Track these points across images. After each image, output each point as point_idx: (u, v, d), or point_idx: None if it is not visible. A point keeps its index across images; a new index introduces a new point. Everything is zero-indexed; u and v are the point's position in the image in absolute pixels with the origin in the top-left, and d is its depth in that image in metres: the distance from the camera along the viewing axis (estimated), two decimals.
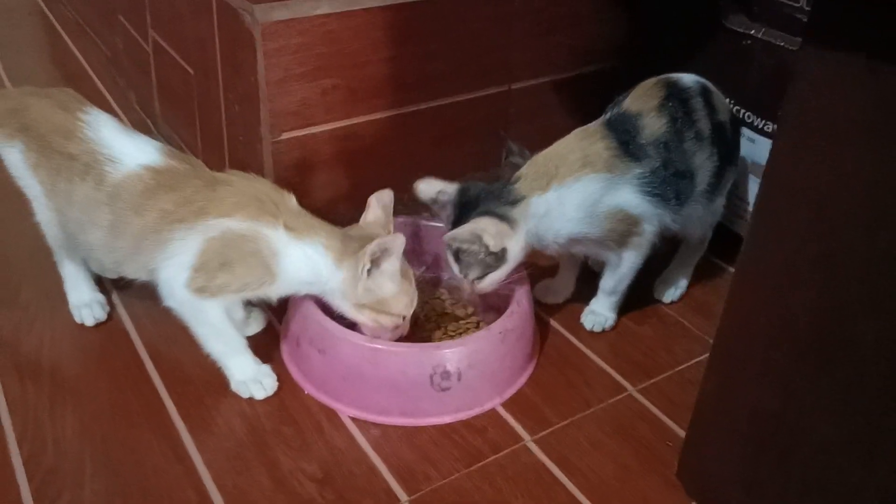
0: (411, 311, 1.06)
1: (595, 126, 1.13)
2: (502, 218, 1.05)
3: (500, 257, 1.07)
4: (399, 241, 0.99)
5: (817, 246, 0.75)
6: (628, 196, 1.10)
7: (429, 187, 1.11)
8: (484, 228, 1.04)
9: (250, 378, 1.09)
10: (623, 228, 1.12)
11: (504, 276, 1.10)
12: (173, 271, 1.03)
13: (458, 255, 1.08)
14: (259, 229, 1.01)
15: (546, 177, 1.09)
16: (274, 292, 1.06)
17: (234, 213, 1.01)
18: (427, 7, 1.31)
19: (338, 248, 1.02)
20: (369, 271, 1.00)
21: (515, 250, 1.08)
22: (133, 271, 1.08)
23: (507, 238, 1.06)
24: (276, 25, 1.18)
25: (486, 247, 1.05)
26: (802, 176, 0.76)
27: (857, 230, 0.72)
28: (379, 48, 1.29)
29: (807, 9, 1.21)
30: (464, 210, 1.08)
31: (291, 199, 1.05)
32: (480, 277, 1.09)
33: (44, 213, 1.12)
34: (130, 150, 1.05)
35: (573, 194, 1.08)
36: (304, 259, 1.02)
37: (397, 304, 1.04)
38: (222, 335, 1.07)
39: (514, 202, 1.07)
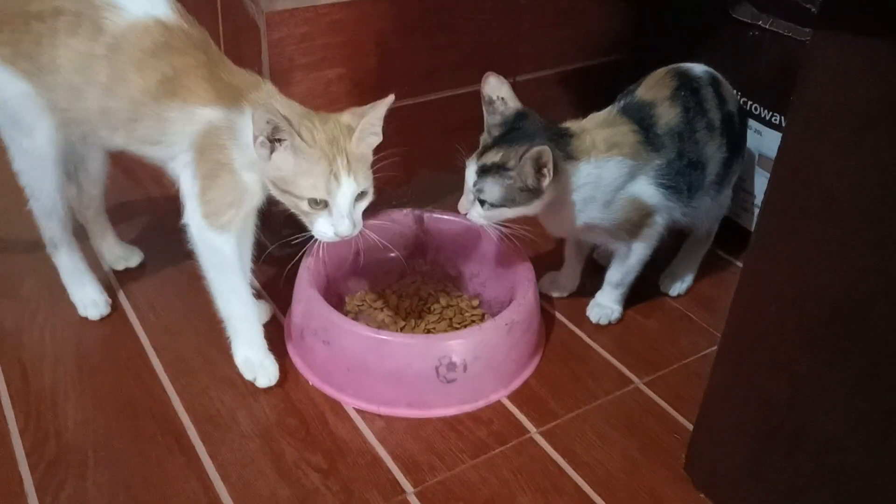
0: (328, 197, 0.95)
1: (612, 112, 1.12)
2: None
3: (531, 196, 1.03)
4: (277, 117, 0.90)
5: (829, 234, 0.75)
6: (645, 187, 1.10)
7: (495, 87, 1.06)
8: (550, 157, 0.99)
9: (256, 358, 1.08)
10: (637, 219, 1.11)
11: (507, 219, 1.06)
12: (189, 188, 1.01)
13: (486, 171, 1.03)
14: (230, 117, 0.97)
15: (585, 145, 1.07)
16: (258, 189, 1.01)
17: (215, 101, 0.97)
18: None
19: None
20: (271, 148, 0.94)
21: (545, 200, 1.04)
22: (130, 142, 1.03)
23: (550, 182, 1.02)
24: (281, 15, 1.17)
25: (537, 177, 1.01)
26: (815, 165, 0.75)
27: (871, 220, 0.71)
28: (384, 39, 1.28)
29: None
30: (512, 133, 1.04)
31: (268, 85, 1.01)
32: (492, 205, 1.04)
33: (31, 138, 1.03)
34: None
35: (605, 173, 1.07)
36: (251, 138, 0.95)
37: (296, 185, 0.95)
38: (237, 291, 1.05)
39: (569, 157, 1.05)
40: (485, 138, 1.07)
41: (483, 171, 1.04)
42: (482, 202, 1.05)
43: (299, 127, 0.93)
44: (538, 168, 1.00)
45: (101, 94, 0.98)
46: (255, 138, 0.93)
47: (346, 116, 0.99)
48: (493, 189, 1.03)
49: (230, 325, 1.08)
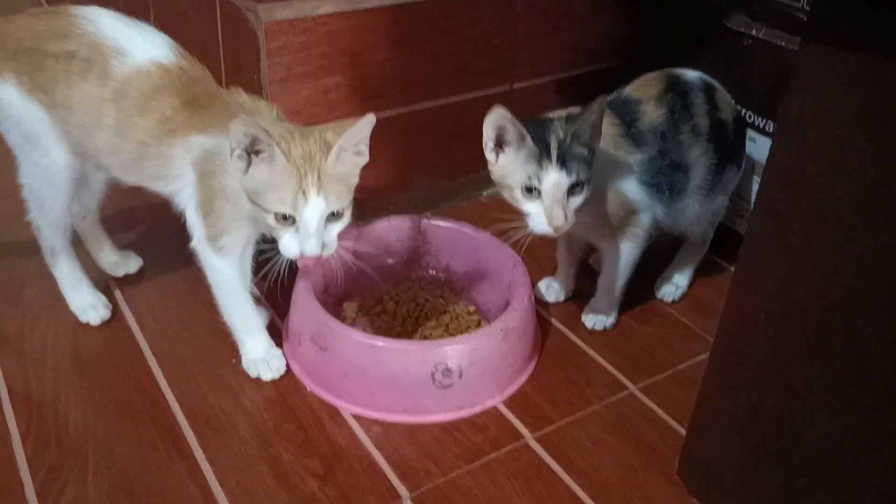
0: (294, 212, 0.93)
1: None
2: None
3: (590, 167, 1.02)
4: (254, 128, 0.89)
5: (818, 242, 0.76)
6: (628, 181, 1.11)
7: (495, 122, 1.03)
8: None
9: (260, 358, 1.11)
10: (622, 214, 1.13)
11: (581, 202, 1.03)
12: (193, 217, 1.04)
13: (564, 152, 0.99)
14: (220, 142, 0.97)
15: None
16: (250, 218, 1.01)
17: (208, 129, 0.99)
18: (430, 7, 1.32)
19: None
20: (248, 161, 0.93)
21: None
22: (141, 180, 1.06)
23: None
24: (280, 24, 1.18)
25: (594, 134, 1.02)
26: (802, 173, 0.76)
27: (858, 227, 0.72)
28: (381, 48, 1.30)
29: (807, 8, 1.22)
30: (543, 131, 1.01)
31: (271, 110, 1.02)
32: (586, 183, 1.01)
33: (48, 157, 1.06)
34: (139, 42, 1.00)
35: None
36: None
37: (266, 198, 0.93)
38: (238, 308, 1.09)
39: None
40: (532, 153, 1.00)
41: (562, 155, 0.99)
42: (575, 186, 1.00)
43: (279, 140, 0.92)
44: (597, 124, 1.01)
45: (109, 135, 1.02)
46: (232, 151, 0.92)
47: (329, 133, 0.95)
48: (580, 162, 1.00)
49: (234, 334, 1.12)
